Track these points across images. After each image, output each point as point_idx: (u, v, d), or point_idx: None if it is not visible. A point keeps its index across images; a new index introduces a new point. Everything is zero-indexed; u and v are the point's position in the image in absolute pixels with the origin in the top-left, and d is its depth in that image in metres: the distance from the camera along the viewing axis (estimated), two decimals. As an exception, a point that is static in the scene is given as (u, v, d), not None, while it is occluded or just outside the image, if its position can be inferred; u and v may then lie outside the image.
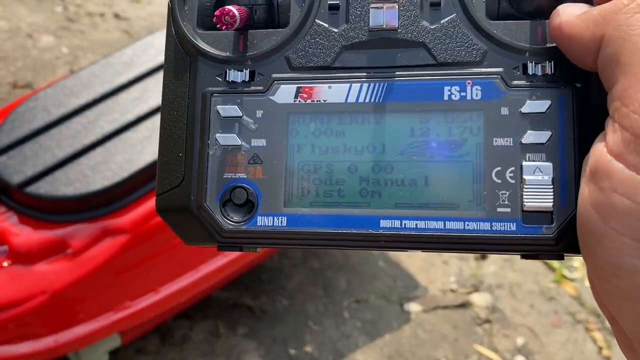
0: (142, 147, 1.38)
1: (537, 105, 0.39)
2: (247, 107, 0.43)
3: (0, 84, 2.44)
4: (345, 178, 0.41)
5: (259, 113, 0.43)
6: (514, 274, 2.03)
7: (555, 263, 2.06)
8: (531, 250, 0.39)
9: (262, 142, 0.42)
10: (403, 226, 0.40)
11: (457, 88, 0.41)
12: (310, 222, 0.41)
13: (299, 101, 0.42)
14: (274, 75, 0.43)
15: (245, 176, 0.42)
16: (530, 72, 0.40)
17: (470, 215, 0.40)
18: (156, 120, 1.43)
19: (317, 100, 0.42)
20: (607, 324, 1.90)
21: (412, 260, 2.03)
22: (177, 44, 0.45)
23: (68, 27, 2.79)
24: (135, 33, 2.86)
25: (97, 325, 1.30)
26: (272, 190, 0.42)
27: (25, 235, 1.28)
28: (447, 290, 1.96)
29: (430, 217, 0.40)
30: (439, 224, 0.40)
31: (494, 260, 2.06)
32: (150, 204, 1.34)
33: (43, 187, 1.30)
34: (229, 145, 0.43)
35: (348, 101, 0.42)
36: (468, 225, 0.39)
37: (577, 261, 2.09)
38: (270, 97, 0.43)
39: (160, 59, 1.55)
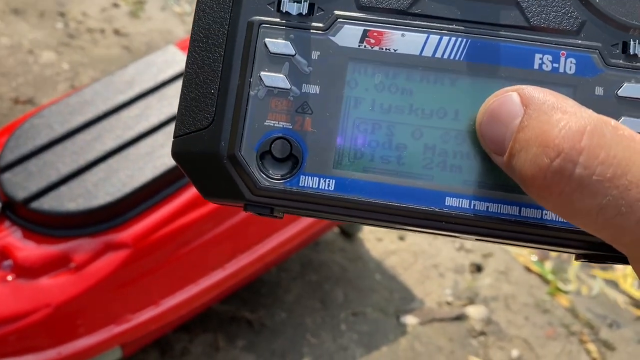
0: (144, 164, 1.41)
1: (635, 90, 0.34)
2: (301, 45, 0.36)
3: (2, 100, 2.47)
4: (408, 144, 0.35)
5: (315, 54, 0.36)
6: (509, 286, 2.05)
7: (549, 276, 2.09)
8: (604, 250, 0.35)
9: (315, 89, 0.35)
10: (472, 207, 0.34)
11: (550, 58, 0.35)
12: (362, 190, 0.35)
13: (365, 47, 0.36)
14: (337, 12, 0.36)
15: (291, 126, 0.35)
16: (631, 51, 0.35)
17: None
18: (157, 137, 1.47)
19: (386, 49, 0.35)
20: (601, 335, 1.93)
21: (409, 273, 2.06)
22: None
23: (69, 43, 2.83)
24: (135, 49, 2.90)
25: (99, 338, 1.33)
26: (321, 147, 0.35)
27: (29, 249, 1.31)
28: (442, 303, 1.99)
29: (505, 200, 0.34)
30: (514, 209, 0.34)
31: (489, 273, 2.09)
32: (152, 219, 1.37)
33: (47, 203, 1.33)
34: (275, 87, 0.35)
35: (423, 54, 0.35)
36: (546, 214, 0.34)
37: (571, 273, 2.12)
38: (331, 38, 0.36)
39: (161, 77, 1.59)
